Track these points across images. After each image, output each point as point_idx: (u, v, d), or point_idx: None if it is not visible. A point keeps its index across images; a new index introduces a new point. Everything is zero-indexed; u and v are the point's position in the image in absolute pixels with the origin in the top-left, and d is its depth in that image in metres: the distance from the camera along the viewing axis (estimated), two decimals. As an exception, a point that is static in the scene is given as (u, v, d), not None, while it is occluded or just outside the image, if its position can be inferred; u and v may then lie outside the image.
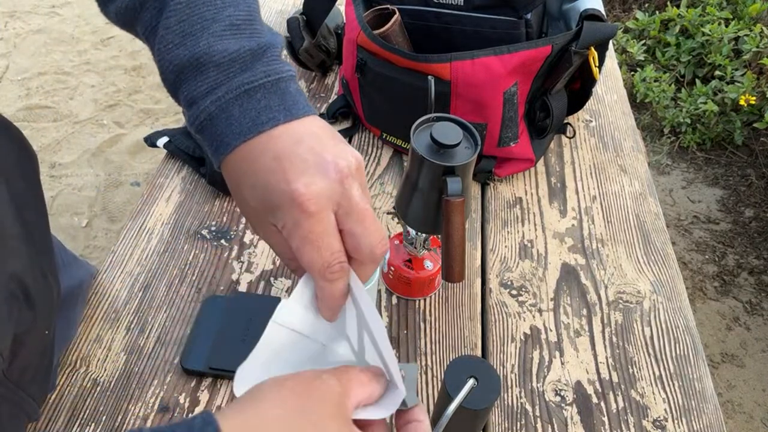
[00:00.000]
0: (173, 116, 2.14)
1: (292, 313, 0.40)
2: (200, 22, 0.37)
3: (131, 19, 0.41)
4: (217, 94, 0.38)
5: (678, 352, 0.71)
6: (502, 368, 0.68)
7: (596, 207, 0.88)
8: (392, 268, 0.72)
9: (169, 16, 0.37)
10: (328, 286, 0.38)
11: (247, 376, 0.38)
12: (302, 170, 0.36)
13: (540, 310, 0.74)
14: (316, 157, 0.37)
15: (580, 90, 0.93)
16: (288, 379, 0.34)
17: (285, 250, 0.39)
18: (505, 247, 0.81)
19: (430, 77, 0.65)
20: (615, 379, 0.68)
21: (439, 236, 0.61)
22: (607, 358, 0.70)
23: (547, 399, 0.66)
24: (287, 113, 0.38)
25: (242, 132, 0.38)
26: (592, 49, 0.82)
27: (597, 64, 0.85)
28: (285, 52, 1.04)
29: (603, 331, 0.72)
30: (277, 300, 0.70)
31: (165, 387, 0.64)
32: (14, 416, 0.50)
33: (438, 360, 0.68)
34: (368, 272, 0.40)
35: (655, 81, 2.14)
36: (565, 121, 0.92)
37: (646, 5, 2.45)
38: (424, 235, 0.68)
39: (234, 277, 0.75)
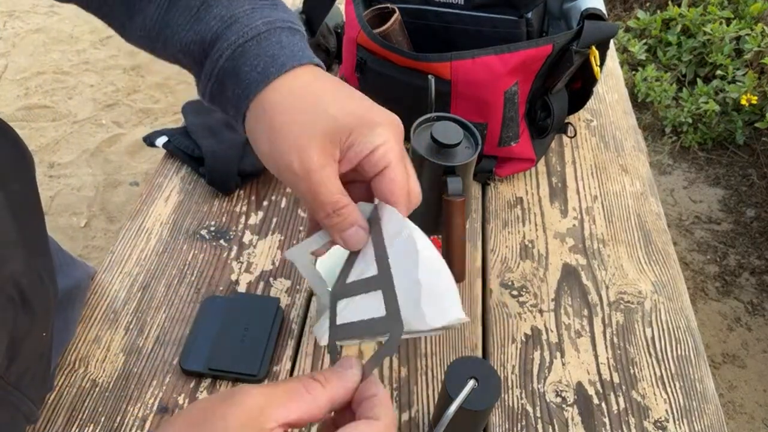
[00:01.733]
0: (172, 116, 2.13)
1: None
2: None
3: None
4: (267, 18, 0.37)
5: (679, 352, 0.71)
6: (502, 369, 0.68)
7: (597, 207, 0.88)
8: (392, 269, 0.72)
9: None
10: (405, 212, 0.37)
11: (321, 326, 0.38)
12: (369, 106, 0.38)
13: (541, 311, 0.74)
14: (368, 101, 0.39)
15: (581, 89, 0.92)
16: (205, 398, 0.32)
17: (337, 183, 0.36)
18: (506, 247, 0.81)
19: (430, 76, 0.65)
20: (616, 379, 0.68)
21: (439, 236, 0.61)
22: (608, 358, 0.69)
23: (548, 400, 0.65)
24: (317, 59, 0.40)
25: (295, 57, 0.36)
26: (593, 48, 0.81)
27: (598, 64, 0.84)
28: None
29: (604, 332, 0.72)
30: (277, 300, 0.70)
31: (164, 388, 0.64)
32: (13, 419, 0.50)
33: (438, 361, 0.68)
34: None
35: (656, 80, 2.14)
36: (566, 121, 0.92)
37: (647, 4, 2.44)
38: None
39: (233, 277, 0.75)
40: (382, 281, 0.36)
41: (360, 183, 0.39)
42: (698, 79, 2.14)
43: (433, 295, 0.35)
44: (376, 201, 0.38)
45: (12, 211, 0.44)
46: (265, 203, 0.84)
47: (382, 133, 0.36)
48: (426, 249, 0.36)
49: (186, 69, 0.41)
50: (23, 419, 0.52)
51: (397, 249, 0.36)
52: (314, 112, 0.35)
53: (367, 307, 0.36)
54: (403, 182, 0.36)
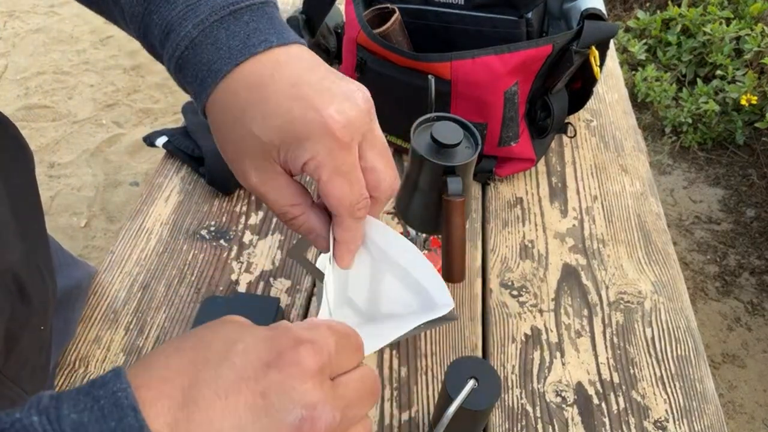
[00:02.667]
0: (172, 116, 2.13)
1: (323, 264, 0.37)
2: None
3: None
4: (199, 16, 0.33)
5: (679, 352, 0.71)
6: (502, 369, 0.68)
7: (597, 207, 0.88)
8: (392, 269, 0.72)
9: None
10: (355, 224, 0.35)
11: None
12: (330, 97, 0.32)
13: (541, 311, 0.74)
14: (338, 84, 0.33)
15: (581, 89, 0.92)
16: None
17: (285, 196, 0.35)
18: (506, 247, 0.81)
19: (430, 76, 0.65)
20: (616, 379, 0.68)
21: (439, 236, 0.61)
22: (608, 358, 0.69)
23: (548, 400, 0.65)
24: (280, 37, 0.34)
25: (232, 56, 0.33)
26: (593, 48, 0.81)
27: (598, 64, 0.84)
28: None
29: (604, 332, 0.72)
30: (277, 300, 0.70)
31: (164, 388, 0.63)
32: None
33: (438, 361, 0.68)
34: (379, 210, 0.37)
35: (656, 80, 2.14)
36: (566, 121, 0.92)
37: (647, 4, 2.45)
38: (424, 235, 0.68)
39: (233, 277, 0.75)
40: (399, 276, 0.36)
41: None
42: (698, 79, 2.14)
43: (434, 287, 0.36)
44: None
45: (12, 205, 0.44)
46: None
47: (308, 148, 0.33)
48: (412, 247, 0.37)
49: None
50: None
51: (396, 250, 0.37)
52: (241, 130, 0.33)
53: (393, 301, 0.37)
54: (340, 195, 0.34)
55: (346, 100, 0.33)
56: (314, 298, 0.70)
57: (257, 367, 0.25)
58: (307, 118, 0.32)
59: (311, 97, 0.32)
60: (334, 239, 0.36)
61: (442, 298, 0.36)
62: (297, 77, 0.33)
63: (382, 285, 0.37)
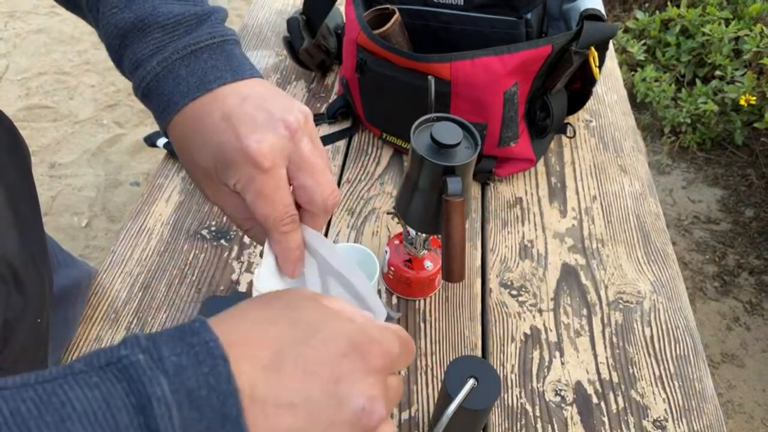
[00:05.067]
0: (173, 116, 2.13)
1: (266, 279, 0.40)
2: None
3: None
4: (163, 54, 0.38)
5: (678, 352, 0.71)
6: (502, 368, 0.68)
7: (596, 207, 0.88)
8: (392, 268, 0.72)
9: None
10: (283, 238, 0.39)
11: None
12: (252, 127, 0.37)
13: (540, 310, 0.74)
14: (264, 113, 0.38)
15: (581, 90, 0.93)
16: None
17: (237, 210, 0.40)
18: (505, 247, 0.81)
19: (430, 77, 0.65)
20: (615, 379, 0.68)
21: (439, 236, 0.61)
22: (607, 358, 0.70)
23: (547, 399, 0.66)
24: (234, 73, 0.39)
25: (189, 91, 0.38)
26: (593, 49, 0.82)
27: (597, 64, 0.85)
28: (285, 51, 1.04)
29: (603, 332, 0.72)
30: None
31: (165, 387, 0.64)
32: None
33: (438, 360, 0.68)
34: (321, 223, 0.41)
35: (655, 81, 2.14)
36: (565, 121, 0.92)
37: (647, 5, 2.45)
38: (424, 235, 0.68)
39: (234, 277, 0.75)
40: (346, 287, 0.41)
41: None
42: (697, 80, 2.14)
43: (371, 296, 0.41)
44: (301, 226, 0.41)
45: (8, 197, 0.44)
46: (266, 203, 0.84)
47: (233, 174, 0.37)
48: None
49: None
50: None
51: (338, 262, 0.41)
52: (188, 155, 0.40)
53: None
54: (264, 213, 0.38)
55: (267, 129, 0.37)
56: None
57: (334, 356, 0.29)
58: (231, 148, 0.37)
59: (236, 127, 0.37)
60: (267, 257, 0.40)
61: (378, 308, 0.41)
62: (229, 109, 0.37)
63: (331, 292, 0.41)
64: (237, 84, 0.39)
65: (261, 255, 0.43)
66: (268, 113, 0.38)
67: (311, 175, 0.39)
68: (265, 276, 0.40)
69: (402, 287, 0.73)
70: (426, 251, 0.71)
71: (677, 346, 0.72)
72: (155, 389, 0.24)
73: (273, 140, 0.37)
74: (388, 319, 0.40)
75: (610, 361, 0.69)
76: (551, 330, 0.72)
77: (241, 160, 0.37)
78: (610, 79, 1.12)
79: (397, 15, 0.82)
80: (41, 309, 0.52)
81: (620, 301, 0.76)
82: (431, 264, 0.72)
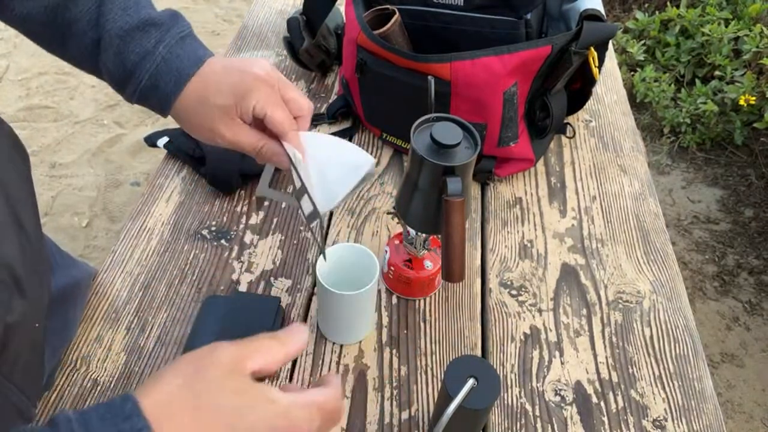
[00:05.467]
0: (173, 116, 2.13)
1: (264, 187, 0.57)
2: (134, 1, 0.51)
3: (58, 13, 0.50)
4: (164, 42, 0.50)
5: (678, 352, 0.71)
6: (501, 368, 0.68)
7: (596, 207, 0.88)
8: (392, 268, 0.72)
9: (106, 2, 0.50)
10: (295, 134, 0.53)
11: None
12: (250, 64, 0.52)
13: (540, 310, 0.74)
14: (247, 60, 0.53)
15: (580, 90, 0.93)
16: (185, 355, 0.38)
17: (250, 136, 0.53)
18: (505, 247, 0.81)
19: (430, 77, 0.66)
20: (615, 378, 0.68)
21: (439, 236, 0.61)
22: (606, 358, 0.70)
23: (547, 399, 0.66)
24: (206, 51, 0.54)
25: (193, 63, 0.51)
26: (592, 49, 0.82)
27: (597, 65, 0.85)
28: (285, 51, 1.04)
29: (603, 331, 0.72)
30: (277, 299, 0.71)
31: (165, 387, 0.64)
32: (3, 409, 0.50)
33: (438, 360, 0.68)
34: (307, 123, 0.56)
35: (654, 81, 2.14)
36: (565, 121, 0.92)
37: (646, 5, 2.45)
38: (424, 235, 0.68)
39: (234, 276, 0.75)
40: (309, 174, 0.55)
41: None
42: (697, 80, 2.14)
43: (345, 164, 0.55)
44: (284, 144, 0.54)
45: (8, 202, 0.45)
46: (266, 203, 0.84)
47: (253, 96, 0.51)
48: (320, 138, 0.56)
49: (99, 77, 0.54)
50: (15, 411, 0.52)
51: (327, 143, 0.57)
52: (206, 107, 0.51)
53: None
54: (281, 118, 0.52)
55: (258, 63, 0.52)
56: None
57: None
58: (246, 80, 0.51)
59: (239, 68, 0.51)
60: (286, 148, 0.53)
61: (365, 158, 0.55)
62: (222, 65, 0.52)
63: (326, 168, 0.55)
64: (212, 56, 0.53)
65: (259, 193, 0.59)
66: (250, 60, 0.53)
67: (293, 90, 0.54)
68: (263, 185, 0.57)
69: (402, 287, 0.73)
70: (426, 251, 0.71)
71: (677, 345, 0.72)
72: None
73: (268, 67, 0.52)
74: (371, 168, 0.56)
75: (610, 360, 0.70)
76: (551, 330, 0.72)
77: (255, 84, 0.50)
78: (609, 79, 1.12)
79: (397, 15, 0.82)
80: (39, 313, 0.52)
81: (620, 300, 0.76)
82: (431, 264, 0.72)
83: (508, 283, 0.77)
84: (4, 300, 0.45)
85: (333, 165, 0.55)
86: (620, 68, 1.88)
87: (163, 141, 0.89)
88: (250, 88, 0.50)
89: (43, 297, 0.52)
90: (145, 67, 0.49)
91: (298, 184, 0.54)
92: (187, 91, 0.51)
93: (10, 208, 0.46)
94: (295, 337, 0.40)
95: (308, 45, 0.97)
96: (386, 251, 0.74)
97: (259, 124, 0.53)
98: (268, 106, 0.51)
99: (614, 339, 0.72)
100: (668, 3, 2.35)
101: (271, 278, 0.75)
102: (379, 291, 0.74)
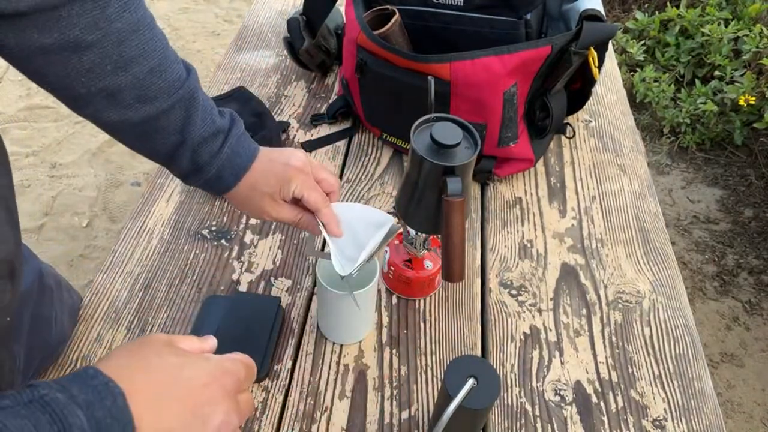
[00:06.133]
0: (173, 116, 2.13)
1: (338, 263, 0.62)
2: (210, 109, 0.60)
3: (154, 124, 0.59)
4: (228, 143, 0.61)
5: (677, 351, 0.71)
6: (501, 368, 0.68)
7: (596, 207, 0.88)
8: (392, 268, 0.72)
9: (195, 113, 0.59)
10: (329, 210, 0.63)
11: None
12: (287, 157, 0.62)
13: (540, 310, 0.74)
14: (287, 152, 0.63)
15: (580, 90, 0.93)
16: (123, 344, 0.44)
17: (291, 213, 0.63)
18: (505, 247, 0.81)
19: (429, 77, 0.66)
20: (614, 378, 0.68)
21: (439, 236, 0.61)
22: (606, 357, 0.70)
23: (547, 398, 0.66)
24: (254, 143, 0.64)
25: (248, 158, 0.62)
26: (592, 49, 0.82)
27: (597, 65, 0.85)
28: (285, 51, 1.04)
29: (602, 331, 0.73)
30: (277, 300, 0.71)
31: (165, 386, 0.64)
32: None
33: (438, 360, 0.68)
34: (337, 196, 0.65)
35: (654, 81, 2.14)
36: (565, 122, 0.92)
37: (646, 5, 2.45)
38: (424, 235, 0.68)
39: (234, 276, 0.75)
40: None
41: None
42: (696, 80, 2.14)
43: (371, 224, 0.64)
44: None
45: (3, 199, 0.47)
46: (266, 203, 0.84)
47: (293, 184, 0.61)
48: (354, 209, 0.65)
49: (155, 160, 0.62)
50: None
51: (356, 210, 0.65)
52: (257, 191, 0.62)
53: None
54: (315, 199, 0.61)
55: (296, 155, 0.62)
56: (318, 276, 0.71)
57: (197, 387, 0.41)
58: (287, 171, 0.61)
59: (282, 161, 0.62)
60: (322, 223, 0.63)
61: (386, 218, 0.64)
62: (269, 158, 0.63)
63: (356, 227, 0.63)
64: (261, 149, 0.64)
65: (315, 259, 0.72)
66: (288, 152, 0.63)
67: (324, 172, 0.64)
68: (310, 248, 0.73)
69: (402, 287, 0.73)
70: (426, 251, 0.71)
71: (676, 345, 0.72)
72: (75, 419, 0.33)
73: (303, 157, 0.62)
74: (393, 227, 0.64)
75: (610, 360, 0.70)
76: (551, 330, 0.72)
77: (294, 173, 0.61)
78: (609, 80, 1.12)
79: (397, 15, 0.82)
80: (12, 305, 0.52)
81: (620, 300, 0.76)
82: (431, 264, 0.72)
83: (508, 283, 0.77)
84: (6, 295, 0.47)
85: (360, 224, 0.64)
86: (620, 68, 1.88)
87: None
88: (290, 177, 0.60)
89: (19, 289, 0.53)
90: (213, 164, 0.60)
91: (329, 248, 0.64)
92: (243, 181, 0.61)
93: (6, 210, 0.47)
94: (211, 343, 0.48)
95: (308, 45, 0.97)
96: (386, 251, 0.74)
97: (298, 201, 0.63)
98: (305, 191, 0.61)
99: (614, 339, 0.72)
100: (668, 3, 2.35)
101: (271, 278, 0.75)
102: (379, 291, 0.74)
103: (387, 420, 0.63)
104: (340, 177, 0.90)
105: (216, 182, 0.62)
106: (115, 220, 1.76)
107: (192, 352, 0.44)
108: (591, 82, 0.89)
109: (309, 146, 0.94)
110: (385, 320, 0.72)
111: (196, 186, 0.63)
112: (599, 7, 0.82)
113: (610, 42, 0.89)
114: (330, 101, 1.01)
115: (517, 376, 0.67)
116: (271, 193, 0.61)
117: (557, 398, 0.66)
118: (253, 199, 0.62)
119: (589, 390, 0.67)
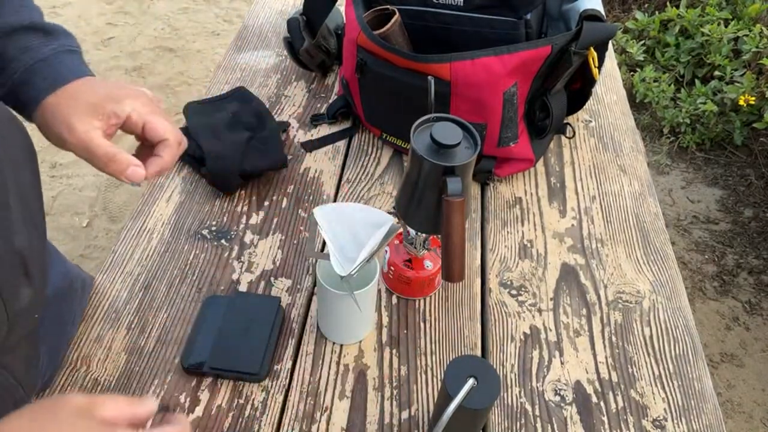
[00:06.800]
0: (174, 117, 2.14)
1: (338, 263, 0.61)
2: (27, 6, 0.51)
3: None
4: (51, 46, 0.50)
5: (677, 351, 0.71)
6: (501, 368, 0.68)
7: (596, 207, 0.88)
8: (392, 268, 0.72)
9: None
10: (178, 150, 0.53)
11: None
12: (130, 86, 0.53)
13: (540, 310, 0.74)
14: (121, 83, 0.54)
15: (580, 90, 0.93)
16: (41, 400, 0.40)
17: (104, 140, 0.50)
18: (505, 247, 0.81)
19: (429, 77, 0.66)
20: (614, 378, 0.68)
21: (439, 236, 0.61)
22: (606, 357, 0.70)
23: (547, 399, 0.66)
24: (89, 71, 0.54)
25: (74, 72, 0.50)
26: (592, 49, 0.82)
27: (596, 65, 0.85)
28: (285, 51, 1.04)
29: (602, 331, 0.73)
30: (278, 299, 0.71)
31: (165, 386, 0.64)
32: (1, 400, 0.51)
33: (438, 360, 0.68)
34: (176, 155, 0.55)
35: (654, 81, 2.14)
36: (565, 122, 0.92)
37: (646, 5, 2.45)
38: (424, 235, 0.68)
39: (234, 276, 0.75)
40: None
41: (148, 147, 0.54)
42: (696, 80, 2.14)
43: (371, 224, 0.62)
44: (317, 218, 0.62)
45: (20, 195, 0.47)
46: (266, 203, 0.84)
47: (129, 103, 0.50)
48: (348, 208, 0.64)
49: None
50: (11, 403, 0.52)
51: (355, 210, 0.64)
52: (76, 100, 0.49)
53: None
54: (165, 126, 0.51)
55: (137, 89, 0.53)
56: (319, 277, 0.72)
57: None
58: (126, 91, 0.51)
59: (119, 86, 0.52)
60: (154, 157, 0.52)
61: (386, 218, 0.63)
62: (104, 82, 0.52)
63: (357, 232, 0.62)
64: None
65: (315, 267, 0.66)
66: (124, 83, 0.54)
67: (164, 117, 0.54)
68: (310, 249, 0.65)
69: (402, 287, 0.73)
70: (426, 251, 0.71)
71: (676, 345, 0.72)
72: None
73: (147, 92, 0.53)
74: (393, 226, 0.63)
75: (610, 360, 0.70)
76: (551, 330, 0.72)
77: (135, 94, 0.51)
78: (609, 80, 1.12)
79: (397, 15, 0.82)
80: (39, 305, 0.53)
81: (619, 300, 0.76)
82: (431, 264, 0.72)
83: (508, 283, 0.77)
84: (15, 285, 0.46)
85: (360, 224, 0.62)
86: (620, 68, 1.88)
87: (163, 141, 0.89)
88: (124, 96, 0.50)
89: (44, 289, 0.53)
90: (23, 61, 0.48)
91: (328, 248, 0.63)
92: (59, 94, 0.48)
93: (21, 200, 0.47)
94: (148, 406, 0.43)
95: (308, 45, 0.97)
96: (386, 251, 0.74)
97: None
98: (149, 115, 0.50)
99: (614, 339, 0.72)
100: (668, 3, 2.35)
101: (272, 278, 0.75)
102: (379, 291, 0.74)
103: (387, 420, 0.63)
104: (340, 177, 0.90)
105: (23, 89, 0.49)
106: (115, 220, 1.76)
107: (114, 421, 0.38)
108: (591, 82, 0.89)
109: (309, 146, 0.94)
110: (385, 320, 0.72)
111: (1, 98, 0.50)
112: (599, 7, 0.82)
113: (610, 42, 0.89)
114: (330, 101, 1.01)
115: (517, 376, 0.67)
116: (92, 104, 0.48)
117: (557, 398, 0.66)
118: (67, 108, 0.48)
119: (589, 390, 0.67)
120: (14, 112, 0.50)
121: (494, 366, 0.68)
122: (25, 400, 0.54)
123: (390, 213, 0.65)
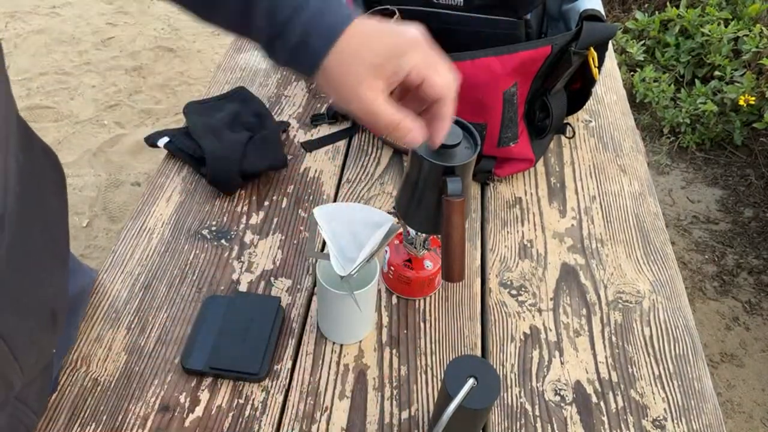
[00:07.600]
0: (174, 117, 2.14)
1: (338, 264, 0.62)
2: None
3: None
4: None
5: (677, 351, 0.71)
6: (501, 368, 0.68)
7: (596, 207, 0.88)
8: (392, 268, 0.72)
9: None
10: (451, 99, 0.49)
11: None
12: (404, 29, 0.48)
13: (540, 310, 0.74)
14: (398, 25, 0.48)
15: (580, 90, 0.93)
16: None
17: (391, 111, 0.47)
18: (505, 247, 0.81)
19: (430, 77, 0.65)
20: (614, 378, 0.68)
21: (439, 236, 0.61)
22: (606, 357, 0.70)
23: (547, 399, 0.66)
24: (354, 10, 0.51)
25: (345, 17, 0.47)
26: (592, 49, 0.82)
27: (596, 65, 0.85)
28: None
29: (602, 331, 0.73)
30: (278, 299, 0.71)
31: (165, 386, 0.64)
32: (13, 429, 0.51)
33: (438, 360, 0.68)
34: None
35: (654, 81, 2.14)
36: (565, 122, 0.92)
37: (646, 5, 2.45)
38: (424, 235, 0.68)
39: (234, 276, 0.75)
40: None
41: (411, 95, 0.50)
42: (696, 80, 2.14)
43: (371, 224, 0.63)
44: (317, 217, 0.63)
45: (49, 230, 0.47)
46: (266, 203, 0.84)
47: (409, 60, 0.46)
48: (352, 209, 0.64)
49: (236, 33, 0.51)
50: (23, 429, 0.52)
51: (356, 211, 0.64)
52: (357, 64, 0.46)
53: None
54: (443, 82, 0.48)
55: (412, 28, 0.47)
56: (318, 272, 0.71)
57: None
58: (402, 42, 0.46)
59: (397, 32, 0.47)
60: (436, 120, 0.50)
61: (386, 218, 0.63)
62: (369, 23, 0.47)
63: (357, 232, 0.63)
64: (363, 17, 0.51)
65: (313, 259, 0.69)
66: (401, 26, 0.48)
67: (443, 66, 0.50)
68: (311, 248, 0.65)
69: (402, 287, 0.73)
70: (426, 251, 0.71)
71: (676, 345, 0.72)
72: None
73: (419, 32, 0.47)
74: (393, 226, 0.63)
75: (610, 360, 0.70)
76: (551, 330, 0.72)
77: (412, 47, 0.46)
78: (609, 80, 1.12)
79: (397, 16, 0.82)
80: (55, 339, 0.53)
81: (619, 300, 0.76)
82: (431, 264, 0.72)
83: (508, 283, 0.77)
84: (45, 339, 0.47)
85: (360, 224, 0.63)
86: (620, 68, 1.88)
87: (163, 141, 0.89)
88: (404, 50, 0.46)
89: (63, 325, 0.53)
90: (297, 21, 0.46)
91: (328, 248, 0.63)
92: (336, 48, 0.46)
93: (53, 240, 0.48)
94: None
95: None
96: (386, 251, 0.74)
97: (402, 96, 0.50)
98: (428, 70, 0.47)
99: (614, 339, 0.72)
100: (668, 3, 2.35)
101: (272, 278, 0.75)
102: (379, 291, 0.74)
103: (387, 420, 0.63)
104: (340, 177, 0.90)
105: (302, 51, 0.47)
106: (115, 220, 1.76)
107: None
108: (591, 82, 0.89)
109: (309, 146, 0.94)
110: (385, 320, 0.72)
111: (282, 65, 0.50)
112: (599, 7, 0.82)
113: (610, 42, 0.89)
114: (330, 101, 1.01)
115: (517, 376, 0.67)
116: (375, 65, 0.46)
117: (557, 398, 0.66)
118: (349, 76, 0.47)
119: (589, 390, 0.67)
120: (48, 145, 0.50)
121: (494, 366, 0.68)
122: (34, 424, 0.54)
123: (390, 213, 0.65)
